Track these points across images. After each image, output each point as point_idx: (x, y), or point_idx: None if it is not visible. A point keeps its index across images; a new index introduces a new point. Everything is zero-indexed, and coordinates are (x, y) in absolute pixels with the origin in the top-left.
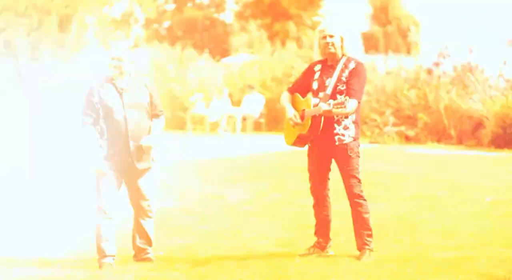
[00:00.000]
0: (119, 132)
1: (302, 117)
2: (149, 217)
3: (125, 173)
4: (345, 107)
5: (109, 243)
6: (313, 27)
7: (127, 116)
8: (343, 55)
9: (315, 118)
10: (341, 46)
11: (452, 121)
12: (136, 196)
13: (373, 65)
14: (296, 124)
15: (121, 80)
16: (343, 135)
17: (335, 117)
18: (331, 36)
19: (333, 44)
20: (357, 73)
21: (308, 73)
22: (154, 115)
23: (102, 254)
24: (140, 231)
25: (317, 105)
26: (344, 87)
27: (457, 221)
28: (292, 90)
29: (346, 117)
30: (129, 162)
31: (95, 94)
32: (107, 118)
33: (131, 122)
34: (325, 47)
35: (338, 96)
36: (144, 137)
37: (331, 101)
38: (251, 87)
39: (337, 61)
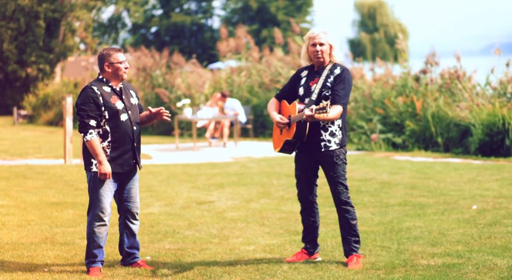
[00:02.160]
0: (125, 134)
1: (288, 124)
2: (137, 219)
3: (123, 176)
4: (326, 112)
5: (101, 249)
6: (301, 34)
7: (131, 118)
8: (330, 61)
9: (300, 124)
10: (330, 54)
11: (439, 128)
12: (127, 199)
13: (361, 72)
14: (284, 125)
15: (117, 83)
16: (329, 141)
17: (320, 123)
18: (321, 44)
19: (322, 52)
20: (342, 79)
21: (295, 79)
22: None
23: (92, 259)
24: (129, 235)
25: (302, 110)
26: (330, 93)
27: (444, 228)
28: (279, 97)
29: (332, 123)
30: (131, 164)
31: (99, 96)
32: (112, 121)
33: (134, 124)
34: (313, 54)
35: (323, 102)
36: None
37: (314, 107)
38: (224, 95)
39: (324, 67)
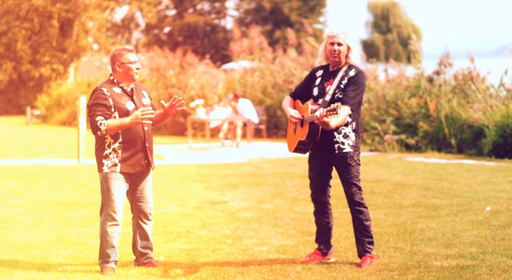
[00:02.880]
0: (136, 135)
1: (301, 124)
2: (150, 220)
3: (134, 176)
4: (337, 114)
5: (114, 249)
6: (314, 35)
7: None
8: (346, 63)
9: (313, 125)
10: (347, 55)
11: (453, 130)
12: (140, 199)
13: (374, 73)
14: (296, 120)
15: (129, 84)
16: (342, 143)
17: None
18: (339, 44)
19: (339, 52)
20: (355, 80)
21: (310, 78)
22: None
23: (106, 259)
24: (142, 235)
25: (315, 111)
26: (342, 95)
27: (457, 230)
28: (293, 95)
29: (346, 125)
30: (143, 165)
31: (108, 98)
32: None
33: (145, 124)
34: (331, 53)
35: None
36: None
37: (323, 109)
38: (236, 96)
39: (339, 68)
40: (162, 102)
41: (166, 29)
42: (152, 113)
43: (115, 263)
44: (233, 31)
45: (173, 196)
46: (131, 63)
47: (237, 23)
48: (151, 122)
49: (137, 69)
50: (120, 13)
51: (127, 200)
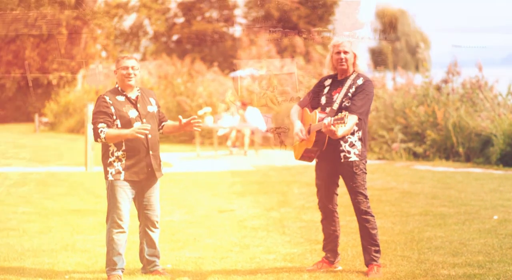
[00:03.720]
0: (139, 143)
1: (308, 132)
2: (157, 227)
3: (140, 184)
4: (344, 123)
5: (121, 256)
6: (322, 43)
7: None
8: (354, 71)
9: (320, 133)
10: (354, 63)
11: (461, 138)
12: (146, 207)
13: (382, 81)
14: (301, 139)
15: (132, 92)
16: (348, 152)
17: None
18: (345, 52)
19: (346, 60)
20: (362, 89)
21: (318, 87)
22: (162, 122)
23: (112, 266)
24: (149, 243)
25: (322, 120)
26: (350, 104)
27: (465, 238)
28: (302, 104)
29: (352, 134)
30: (147, 172)
31: (110, 106)
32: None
33: (149, 132)
34: (337, 62)
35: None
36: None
37: (331, 118)
38: (244, 104)
39: (347, 77)
40: (180, 117)
41: (175, 37)
42: (147, 129)
43: (122, 271)
44: (241, 39)
45: (180, 203)
46: (123, 68)
47: (245, 31)
48: (143, 136)
49: (129, 74)
50: (128, 21)
51: (134, 208)
